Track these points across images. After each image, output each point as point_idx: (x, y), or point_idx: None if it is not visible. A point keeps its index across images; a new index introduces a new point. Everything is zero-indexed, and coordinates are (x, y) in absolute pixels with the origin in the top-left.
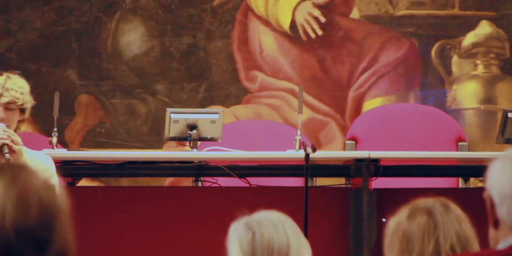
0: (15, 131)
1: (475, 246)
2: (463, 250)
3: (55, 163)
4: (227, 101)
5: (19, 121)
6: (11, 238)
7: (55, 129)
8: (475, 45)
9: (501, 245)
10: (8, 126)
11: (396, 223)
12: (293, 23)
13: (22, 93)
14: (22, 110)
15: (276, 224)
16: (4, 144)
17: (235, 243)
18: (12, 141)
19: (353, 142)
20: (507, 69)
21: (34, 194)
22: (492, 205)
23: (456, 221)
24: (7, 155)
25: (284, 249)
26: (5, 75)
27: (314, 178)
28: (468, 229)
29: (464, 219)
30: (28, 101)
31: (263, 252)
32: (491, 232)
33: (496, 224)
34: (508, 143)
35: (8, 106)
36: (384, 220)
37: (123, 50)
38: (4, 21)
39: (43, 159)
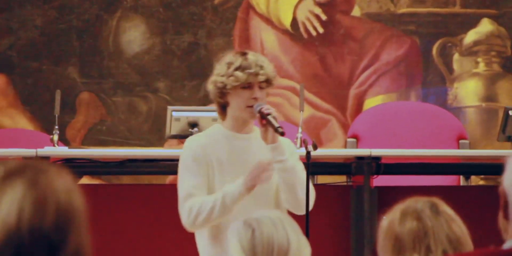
0: None
1: (468, 244)
2: (455, 251)
3: (55, 161)
4: None
5: None
6: (25, 239)
7: (56, 127)
8: (476, 43)
9: (508, 244)
10: None
11: (388, 225)
12: (294, 21)
13: (273, 71)
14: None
15: (275, 222)
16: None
17: (235, 241)
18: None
19: (354, 140)
20: (508, 67)
21: (53, 197)
22: (506, 200)
23: (446, 223)
24: (280, 129)
25: (284, 246)
26: (250, 52)
27: (315, 176)
28: (459, 229)
29: (454, 219)
30: (276, 80)
31: (263, 249)
32: (502, 222)
33: (507, 218)
34: (509, 141)
35: (261, 85)
36: (385, 218)
37: (124, 48)
38: (5, 19)
39: (289, 142)
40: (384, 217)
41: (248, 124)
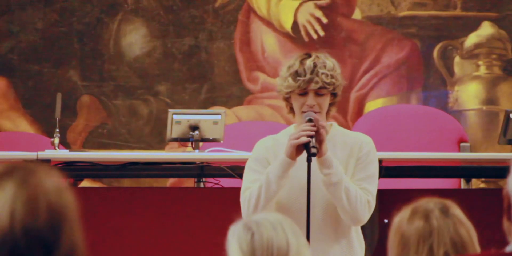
0: (326, 114)
1: (474, 250)
2: (458, 253)
3: (56, 165)
4: (229, 102)
5: (330, 104)
6: (20, 239)
7: (57, 130)
8: (477, 46)
9: (511, 247)
10: (318, 112)
11: (398, 223)
12: (295, 24)
13: (332, 77)
14: (333, 93)
15: (274, 224)
16: (309, 142)
17: (235, 244)
18: (319, 134)
19: None
20: (509, 70)
21: (44, 196)
22: (510, 203)
23: (453, 226)
24: (314, 150)
25: (284, 249)
26: (313, 55)
27: None
28: (466, 234)
29: (463, 223)
30: (339, 84)
31: (262, 252)
32: (506, 225)
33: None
34: (510, 144)
35: (318, 92)
36: (386, 221)
37: (125, 51)
38: (6, 22)
39: (360, 143)
40: (385, 221)
41: None
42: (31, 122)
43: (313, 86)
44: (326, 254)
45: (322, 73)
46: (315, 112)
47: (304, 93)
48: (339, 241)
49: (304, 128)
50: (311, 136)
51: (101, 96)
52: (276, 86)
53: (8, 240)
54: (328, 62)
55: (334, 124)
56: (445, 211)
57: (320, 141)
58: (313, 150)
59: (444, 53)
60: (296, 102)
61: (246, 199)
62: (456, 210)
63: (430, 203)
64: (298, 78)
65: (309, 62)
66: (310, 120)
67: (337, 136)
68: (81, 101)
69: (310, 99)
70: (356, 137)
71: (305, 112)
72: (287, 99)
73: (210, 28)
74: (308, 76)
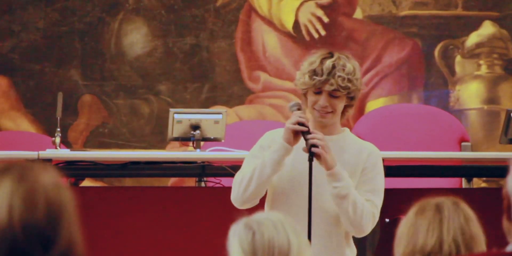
0: (342, 114)
1: (482, 246)
2: (466, 247)
3: (57, 164)
4: (230, 102)
5: (347, 106)
6: (18, 235)
7: (58, 129)
8: (478, 45)
9: (511, 247)
10: (332, 112)
11: (408, 217)
12: (296, 23)
13: (349, 81)
14: (350, 97)
15: (276, 224)
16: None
17: (236, 244)
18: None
19: None
20: (510, 69)
21: (42, 192)
22: (509, 202)
23: (464, 218)
24: (316, 149)
25: (285, 248)
26: (335, 56)
27: None
28: (475, 229)
29: (473, 219)
30: (355, 89)
31: (263, 251)
32: (506, 224)
33: (511, 220)
34: (511, 143)
35: (333, 93)
36: (387, 220)
37: (126, 50)
38: (7, 22)
39: (369, 152)
40: (387, 220)
41: (327, 126)
42: (32, 121)
43: (327, 87)
44: (323, 246)
45: (339, 76)
46: (327, 113)
47: (319, 92)
48: (334, 234)
49: (300, 114)
50: (306, 132)
51: (102, 96)
52: (280, 84)
53: (7, 235)
54: (348, 65)
55: (347, 129)
56: (456, 205)
57: (324, 153)
58: (315, 150)
59: (445, 53)
60: (309, 99)
61: (237, 181)
62: (466, 207)
63: (441, 198)
64: (315, 77)
65: (328, 63)
66: (298, 109)
67: (347, 139)
68: (82, 101)
69: (323, 100)
70: (366, 144)
71: (316, 110)
72: (304, 94)
73: (211, 27)
74: (324, 77)
